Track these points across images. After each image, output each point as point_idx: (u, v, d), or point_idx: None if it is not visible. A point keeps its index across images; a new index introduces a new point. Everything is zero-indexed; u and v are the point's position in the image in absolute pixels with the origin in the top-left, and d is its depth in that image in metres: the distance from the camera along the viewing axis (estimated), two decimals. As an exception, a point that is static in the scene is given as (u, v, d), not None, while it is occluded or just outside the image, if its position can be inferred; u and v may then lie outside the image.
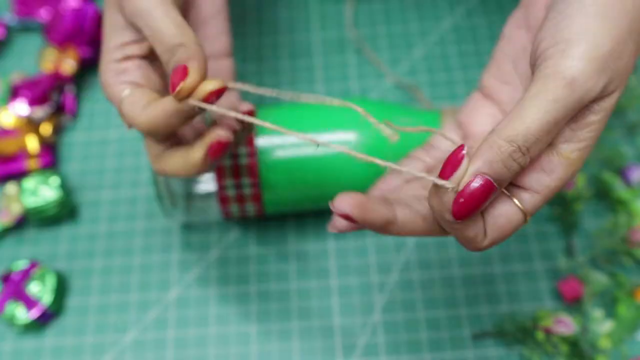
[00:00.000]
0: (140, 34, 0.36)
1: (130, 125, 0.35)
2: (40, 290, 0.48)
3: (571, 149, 0.28)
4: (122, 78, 0.36)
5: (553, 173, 0.28)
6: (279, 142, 0.45)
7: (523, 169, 0.27)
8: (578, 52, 0.27)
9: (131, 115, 0.34)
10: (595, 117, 0.28)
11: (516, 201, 0.28)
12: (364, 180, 0.46)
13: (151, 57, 0.37)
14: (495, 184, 0.26)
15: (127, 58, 0.36)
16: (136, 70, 0.36)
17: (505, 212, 0.28)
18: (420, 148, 0.36)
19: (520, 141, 0.26)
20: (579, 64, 0.26)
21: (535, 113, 0.26)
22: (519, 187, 0.29)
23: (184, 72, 0.32)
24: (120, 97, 0.35)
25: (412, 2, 0.61)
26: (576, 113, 0.27)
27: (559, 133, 0.28)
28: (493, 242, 0.29)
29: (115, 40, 0.36)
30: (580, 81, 0.26)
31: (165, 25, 0.33)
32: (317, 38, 0.60)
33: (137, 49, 0.36)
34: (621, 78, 0.28)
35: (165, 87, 0.38)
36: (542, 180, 0.28)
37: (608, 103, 0.28)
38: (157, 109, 0.33)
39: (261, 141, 0.45)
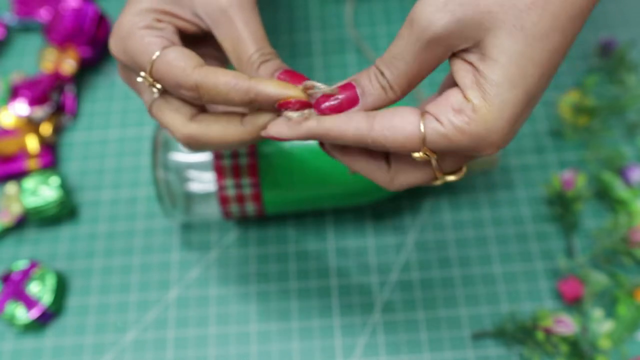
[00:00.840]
0: (192, 17, 0.35)
1: (160, 80, 0.33)
2: (40, 290, 0.48)
3: (473, 95, 0.29)
4: (157, 31, 0.34)
5: (459, 114, 0.29)
6: (279, 143, 0.45)
7: (384, 87, 0.31)
8: None
9: (182, 67, 0.32)
10: (463, 67, 0.29)
11: (419, 116, 0.30)
12: (364, 180, 0.46)
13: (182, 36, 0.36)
14: (356, 86, 0.31)
15: (166, 22, 0.35)
16: (172, 34, 0.35)
17: (404, 114, 0.30)
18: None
19: (379, 64, 0.31)
20: (421, 5, 0.29)
21: (401, 48, 0.30)
22: (432, 115, 0.30)
23: (297, 75, 0.33)
24: (153, 50, 0.33)
25: (412, 2, 0.61)
26: (435, 51, 0.29)
27: (465, 77, 0.29)
28: (380, 134, 0.30)
29: (159, 4, 0.34)
30: (418, 15, 0.29)
31: (258, 29, 0.34)
32: (317, 38, 0.60)
33: (179, 23, 0.35)
34: (485, 30, 0.28)
35: None
36: (449, 116, 0.29)
37: (474, 56, 0.29)
38: (227, 75, 0.32)
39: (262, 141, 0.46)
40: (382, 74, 0.30)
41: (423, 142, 0.30)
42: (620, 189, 0.50)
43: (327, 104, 0.31)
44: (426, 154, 0.30)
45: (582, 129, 0.54)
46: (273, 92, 0.32)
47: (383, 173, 0.33)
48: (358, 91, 0.31)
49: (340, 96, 0.31)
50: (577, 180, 0.50)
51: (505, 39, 0.28)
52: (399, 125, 0.30)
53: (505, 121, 0.29)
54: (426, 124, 0.30)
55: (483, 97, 0.28)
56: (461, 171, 0.33)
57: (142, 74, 0.34)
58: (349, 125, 0.31)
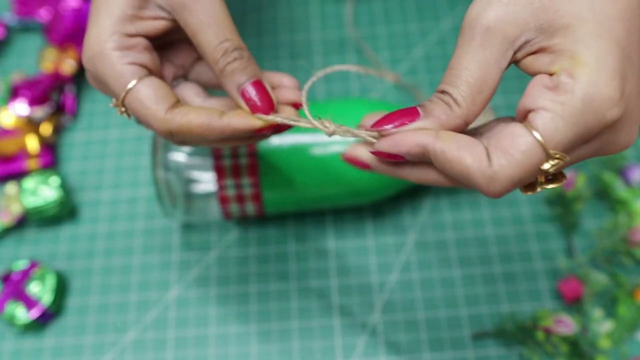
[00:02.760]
0: (160, 12, 0.33)
1: (132, 118, 0.33)
2: (40, 290, 0.48)
3: (560, 64, 0.27)
4: (128, 57, 0.32)
5: (557, 89, 0.26)
6: (279, 142, 0.45)
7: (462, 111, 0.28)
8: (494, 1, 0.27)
9: (154, 111, 0.32)
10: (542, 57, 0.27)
11: (525, 126, 0.26)
12: (364, 180, 0.46)
13: (155, 39, 0.35)
14: (420, 110, 0.29)
15: (136, 34, 0.33)
16: (144, 51, 0.33)
17: (509, 131, 0.26)
18: None
19: (440, 86, 0.29)
20: (470, 6, 0.28)
21: (458, 58, 0.28)
22: (530, 109, 0.27)
23: (265, 96, 0.32)
24: (125, 80, 0.32)
25: (412, 2, 0.61)
26: (508, 53, 0.27)
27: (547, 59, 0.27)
28: (503, 169, 0.26)
29: (131, 11, 0.33)
30: (468, 13, 0.28)
31: (221, 20, 0.32)
32: (317, 38, 0.60)
33: (150, 27, 0.33)
34: (548, 33, 0.26)
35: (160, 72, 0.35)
36: (549, 97, 0.26)
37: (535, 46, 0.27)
38: (198, 117, 0.32)
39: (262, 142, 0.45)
40: (443, 92, 0.28)
41: (544, 146, 0.26)
42: (620, 189, 0.50)
43: (388, 127, 0.29)
44: (557, 157, 0.26)
45: (582, 129, 0.54)
46: (246, 128, 0.32)
47: (483, 170, 0.27)
48: (420, 110, 0.29)
49: (402, 119, 0.29)
50: (577, 180, 0.50)
51: (567, 5, 0.26)
52: (509, 143, 0.26)
53: (609, 71, 0.25)
54: (534, 122, 0.26)
55: (572, 57, 0.26)
56: (564, 177, 0.29)
57: (114, 101, 0.33)
58: (468, 155, 0.27)
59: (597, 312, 0.46)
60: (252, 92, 0.33)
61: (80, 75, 0.59)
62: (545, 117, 0.26)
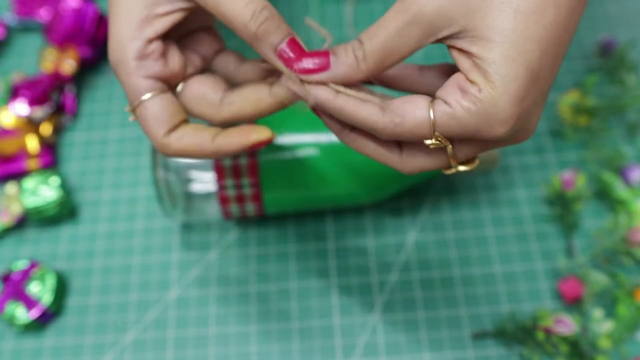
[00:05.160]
0: (176, 4, 0.33)
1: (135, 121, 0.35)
2: (40, 290, 0.48)
3: (475, 75, 0.29)
4: (144, 69, 0.33)
5: (466, 95, 0.29)
6: (279, 142, 0.45)
7: (362, 63, 0.31)
8: None
9: (154, 134, 0.34)
10: (455, 54, 0.30)
11: (427, 101, 0.30)
12: (364, 180, 0.46)
13: (171, 35, 0.36)
14: (331, 55, 0.31)
15: (155, 37, 0.33)
16: (160, 59, 0.34)
17: (414, 99, 0.30)
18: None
19: (360, 35, 0.31)
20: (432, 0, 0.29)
21: (387, 21, 0.30)
22: (440, 98, 0.30)
23: (303, 54, 0.32)
24: (139, 94, 0.33)
25: (412, 2, 0.61)
26: (425, 36, 0.30)
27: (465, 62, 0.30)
28: (395, 126, 0.30)
29: (146, 11, 0.33)
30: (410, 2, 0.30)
31: None
32: (317, 38, 0.60)
33: (168, 22, 0.33)
34: (470, 19, 0.29)
35: (184, 63, 0.36)
36: (457, 97, 0.30)
37: (461, 43, 0.29)
38: (191, 141, 0.33)
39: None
40: (360, 44, 0.31)
41: (433, 126, 0.30)
42: (620, 189, 0.50)
43: (298, 66, 0.31)
44: (439, 140, 0.30)
45: (582, 129, 0.54)
46: (237, 149, 0.34)
47: (395, 156, 0.33)
48: (331, 59, 0.31)
49: (315, 60, 0.31)
50: (577, 180, 0.50)
51: (495, 17, 0.28)
52: (409, 110, 0.30)
53: (510, 97, 0.28)
54: (435, 107, 0.30)
55: (484, 76, 0.29)
56: (474, 162, 0.33)
57: (128, 107, 0.35)
58: (363, 109, 0.31)
59: (597, 312, 0.46)
60: (289, 52, 0.32)
61: (80, 75, 0.59)
62: (446, 109, 0.29)
